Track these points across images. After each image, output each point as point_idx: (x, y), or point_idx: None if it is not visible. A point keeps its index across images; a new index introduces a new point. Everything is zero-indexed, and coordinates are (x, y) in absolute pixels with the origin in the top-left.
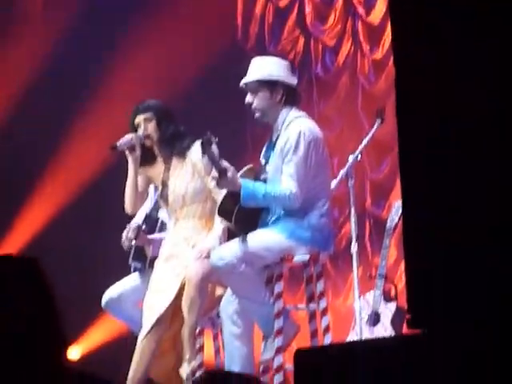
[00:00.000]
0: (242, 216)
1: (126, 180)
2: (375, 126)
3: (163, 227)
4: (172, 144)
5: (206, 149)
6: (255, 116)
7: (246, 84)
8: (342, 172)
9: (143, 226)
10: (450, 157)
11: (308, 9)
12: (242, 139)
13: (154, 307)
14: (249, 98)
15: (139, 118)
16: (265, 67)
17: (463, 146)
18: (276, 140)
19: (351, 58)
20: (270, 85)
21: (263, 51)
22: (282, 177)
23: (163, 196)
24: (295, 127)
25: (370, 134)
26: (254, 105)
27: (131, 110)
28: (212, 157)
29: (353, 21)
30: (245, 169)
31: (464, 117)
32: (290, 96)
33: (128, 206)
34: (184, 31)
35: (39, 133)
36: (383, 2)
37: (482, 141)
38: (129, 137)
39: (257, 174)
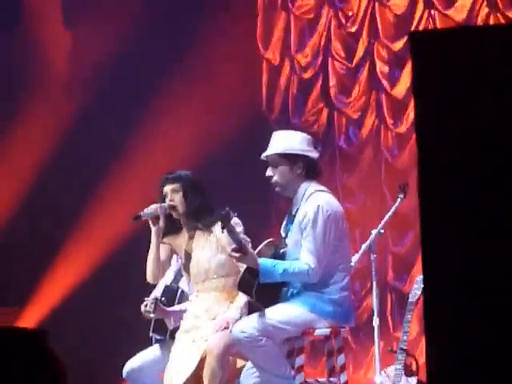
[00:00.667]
0: (262, 290)
1: (148, 249)
2: (398, 201)
3: (183, 298)
4: (197, 217)
5: (225, 224)
6: (276, 189)
7: (266, 157)
8: (365, 246)
9: (162, 298)
10: (472, 233)
11: (332, 81)
12: (266, 212)
13: (174, 379)
14: (269, 172)
15: (167, 188)
16: (285, 141)
17: (487, 221)
18: (295, 213)
19: (375, 131)
20: (290, 158)
21: (287, 122)
22: (301, 251)
23: (186, 268)
24: (314, 201)
25: (393, 209)
26: (275, 178)
27: (158, 179)
28: (232, 231)
29: (377, 94)
30: (265, 242)
31: (489, 192)
32: (310, 169)
33: (149, 276)
34: (211, 102)
35: (65, 196)
36: (408, 76)
37: (505, 216)
38: (154, 207)
39: (276, 248)
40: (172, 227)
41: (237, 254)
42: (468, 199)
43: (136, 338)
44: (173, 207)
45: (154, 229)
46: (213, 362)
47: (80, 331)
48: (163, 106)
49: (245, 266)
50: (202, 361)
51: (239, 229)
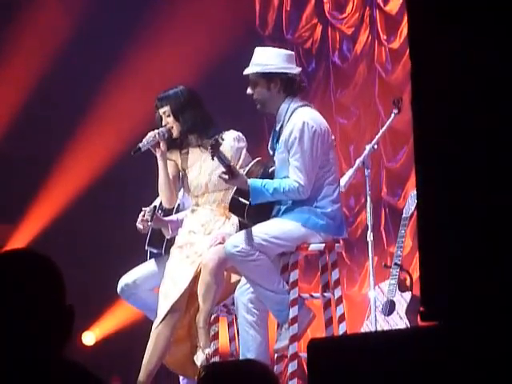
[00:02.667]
0: (253, 210)
1: (154, 173)
2: (392, 116)
3: (179, 211)
4: (194, 134)
5: (215, 151)
6: (257, 107)
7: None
8: (359, 161)
9: (159, 211)
10: (466, 146)
11: None
12: (261, 128)
13: (168, 294)
14: (249, 90)
15: (160, 111)
16: (262, 59)
17: (480, 135)
18: (280, 130)
19: (368, 46)
20: (266, 77)
21: (281, 39)
22: (289, 168)
23: (186, 181)
24: (298, 118)
25: (387, 124)
26: (254, 96)
27: (151, 97)
28: (220, 157)
29: (371, 10)
30: (253, 162)
31: (482, 106)
32: (289, 86)
33: (165, 202)
34: (200, 18)
35: (55, 119)
36: None
37: (501, 129)
38: (151, 134)
39: (265, 167)
40: (174, 144)
41: (226, 176)
42: (462, 113)
43: (129, 256)
44: (169, 129)
45: (158, 155)
46: (207, 276)
47: (72, 252)
48: (156, 23)
49: (234, 189)
50: (197, 277)
51: (242, 144)
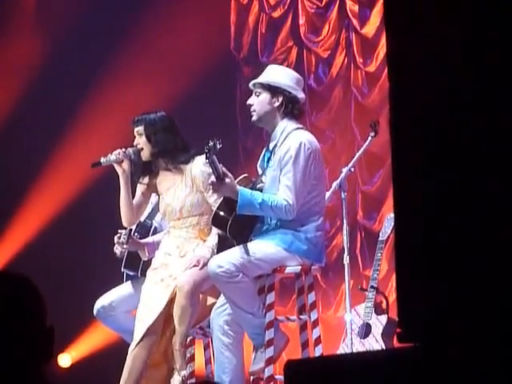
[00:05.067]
0: (236, 225)
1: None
2: (369, 139)
3: (156, 234)
4: (164, 158)
5: (210, 153)
6: (252, 119)
7: (253, 85)
8: (335, 184)
9: (135, 234)
10: (443, 170)
11: (302, 20)
12: (233, 148)
13: (143, 318)
14: (250, 100)
15: (135, 131)
16: (272, 74)
17: (458, 160)
18: (274, 149)
19: (344, 70)
20: (271, 90)
21: (256, 61)
22: (279, 186)
23: (161, 206)
24: (296, 138)
25: (364, 147)
26: (253, 107)
27: (122, 125)
28: (213, 162)
29: (347, 33)
30: (241, 177)
31: (459, 128)
32: (290, 106)
33: (124, 221)
34: (174, 42)
35: (29, 144)
36: (378, 15)
37: (478, 153)
38: (116, 152)
39: (252, 183)
40: (147, 168)
41: (216, 183)
42: (441, 136)
43: (105, 278)
44: (139, 151)
45: (119, 173)
46: (183, 299)
47: (47, 274)
48: (131, 44)
49: (220, 200)
50: (173, 299)
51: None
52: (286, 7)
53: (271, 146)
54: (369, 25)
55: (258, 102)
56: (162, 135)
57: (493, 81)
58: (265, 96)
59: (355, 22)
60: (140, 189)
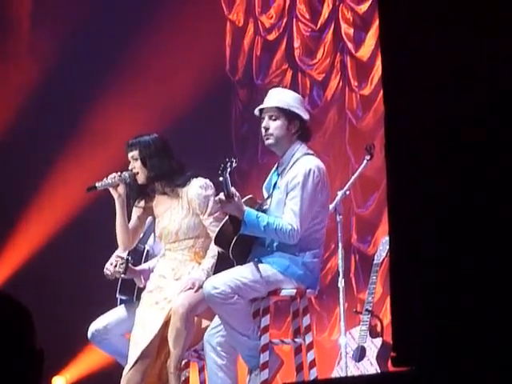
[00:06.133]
0: (238, 246)
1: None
2: (364, 162)
3: (148, 258)
4: (160, 181)
5: (225, 170)
6: (267, 142)
7: (261, 110)
8: (331, 207)
9: (130, 259)
10: (439, 193)
11: (296, 43)
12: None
13: (138, 341)
14: (266, 123)
15: (129, 156)
16: (286, 97)
17: (454, 183)
18: (283, 172)
19: (339, 93)
20: (289, 115)
21: (251, 84)
22: (284, 210)
23: (156, 229)
24: (306, 164)
25: (360, 170)
26: (271, 131)
27: (123, 144)
28: (226, 179)
29: (341, 56)
30: (246, 198)
31: (456, 152)
32: (303, 131)
33: (119, 245)
34: (170, 64)
35: (23, 165)
36: (373, 38)
37: (476, 174)
38: (111, 176)
39: (260, 205)
40: (142, 191)
41: (224, 200)
42: (436, 160)
43: (99, 301)
44: (134, 174)
45: (115, 198)
46: (177, 322)
47: (41, 297)
48: (126, 68)
49: (225, 220)
50: (167, 322)
51: (210, 191)
52: (281, 30)
53: (280, 169)
54: (364, 48)
55: (276, 127)
56: (157, 159)
57: (490, 99)
58: (282, 121)
59: (350, 45)
60: (136, 212)
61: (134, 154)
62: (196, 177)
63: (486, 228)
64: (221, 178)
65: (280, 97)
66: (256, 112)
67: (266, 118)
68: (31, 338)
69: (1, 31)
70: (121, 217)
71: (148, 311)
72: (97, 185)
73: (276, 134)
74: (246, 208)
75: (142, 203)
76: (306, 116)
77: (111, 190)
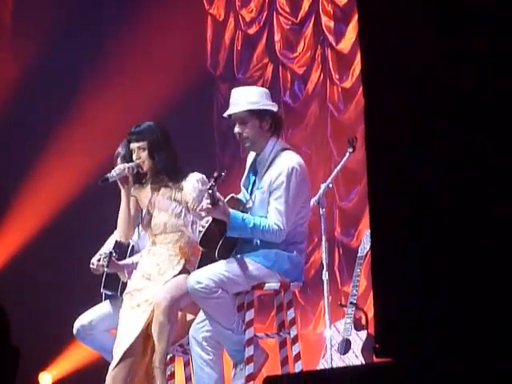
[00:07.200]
0: (224, 248)
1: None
2: (347, 155)
3: (133, 253)
4: (163, 175)
5: (215, 183)
6: (245, 146)
7: (230, 115)
8: (313, 200)
9: (114, 254)
10: (420, 185)
11: (277, 36)
12: (210, 165)
13: (120, 343)
14: (237, 129)
15: (133, 145)
16: (250, 97)
17: (434, 174)
18: (262, 170)
19: (320, 86)
20: (258, 114)
21: (232, 78)
22: (269, 209)
23: (145, 220)
24: (287, 162)
25: (342, 163)
26: (245, 135)
27: (108, 134)
28: (213, 190)
29: (322, 49)
30: (228, 198)
31: (435, 144)
32: (276, 124)
33: (121, 235)
34: (155, 58)
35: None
36: (353, 31)
37: (455, 169)
38: (121, 167)
39: (244, 205)
40: (138, 180)
41: (209, 206)
42: (416, 151)
43: (83, 297)
44: (140, 165)
45: (122, 189)
46: (160, 316)
47: (27, 292)
48: (109, 65)
49: (209, 223)
50: (150, 323)
51: (205, 187)
52: (262, 24)
53: (258, 166)
54: (344, 40)
55: (250, 130)
56: (164, 152)
57: (471, 92)
58: (253, 122)
59: (331, 37)
60: (132, 202)
61: (141, 144)
62: (192, 171)
63: (467, 217)
64: (210, 191)
65: (245, 98)
66: (225, 115)
67: (237, 123)
68: (6, 335)
69: None
70: (126, 208)
71: (129, 313)
72: (108, 176)
73: (251, 136)
74: (231, 211)
75: (136, 192)
76: (274, 108)
77: (119, 181)
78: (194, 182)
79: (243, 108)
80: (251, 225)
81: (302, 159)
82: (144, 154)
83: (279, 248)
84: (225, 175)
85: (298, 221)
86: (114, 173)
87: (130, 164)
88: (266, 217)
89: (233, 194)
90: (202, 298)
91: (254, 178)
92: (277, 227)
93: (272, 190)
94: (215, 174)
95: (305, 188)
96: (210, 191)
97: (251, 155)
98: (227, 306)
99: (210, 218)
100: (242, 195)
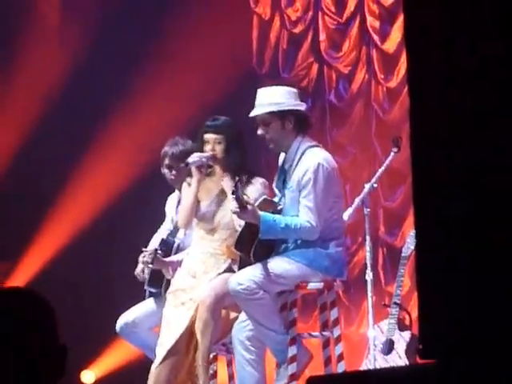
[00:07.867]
0: (259, 250)
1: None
2: (391, 155)
3: (179, 251)
4: (232, 172)
5: (239, 189)
6: (270, 147)
7: (255, 116)
8: (358, 200)
9: (159, 252)
10: (465, 187)
11: (322, 36)
12: (257, 165)
13: (163, 341)
14: (261, 131)
15: (209, 137)
16: (272, 98)
17: (481, 177)
18: (290, 169)
19: (365, 85)
20: (279, 115)
21: (277, 77)
22: (300, 208)
23: (201, 211)
24: (312, 159)
25: (387, 163)
26: (268, 137)
27: (149, 139)
28: (238, 195)
29: (367, 48)
30: (260, 200)
31: (481, 145)
32: (301, 123)
33: (182, 222)
34: (197, 59)
35: (48, 164)
36: (398, 30)
37: (502, 170)
38: (199, 155)
39: (273, 205)
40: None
41: (238, 210)
42: (463, 152)
43: (129, 295)
44: (214, 157)
45: (197, 176)
46: (204, 313)
47: (71, 290)
48: (154, 64)
49: (242, 227)
50: (194, 321)
51: (266, 191)
52: (307, 23)
53: (286, 166)
54: (389, 40)
55: (272, 131)
56: (239, 151)
57: None
58: (275, 123)
59: (376, 37)
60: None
61: (219, 137)
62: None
63: None
64: (233, 195)
65: (267, 99)
66: (250, 116)
67: (260, 125)
68: (55, 334)
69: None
70: (194, 196)
71: (174, 312)
72: (189, 160)
73: (274, 137)
74: (261, 213)
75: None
76: (300, 107)
77: (194, 168)
78: (259, 185)
79: (264, 110)
80: (283, 225)
81: (347, 159)
82: (219, 148)
83: (316, 245)
84: (245, 186)
85: (332, 216)
86: (194, 158)
87: (205, 154)
88: (298, 216)
89: (265, 196)
90: (244, 299)
91: (283, 177)
92: (309, 224)
93: (301, 188)
94: (236, 179)
95: (334, 183)
96: (234, 196)
97: (282, 156)
98: (269, 306)
99: (242, 222)
100: (276, 197)
